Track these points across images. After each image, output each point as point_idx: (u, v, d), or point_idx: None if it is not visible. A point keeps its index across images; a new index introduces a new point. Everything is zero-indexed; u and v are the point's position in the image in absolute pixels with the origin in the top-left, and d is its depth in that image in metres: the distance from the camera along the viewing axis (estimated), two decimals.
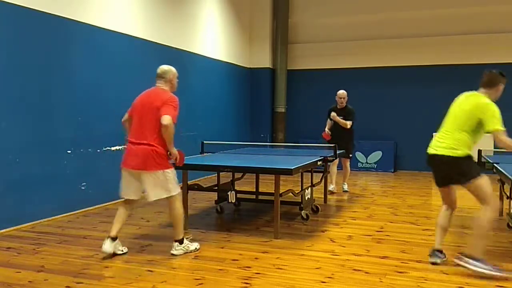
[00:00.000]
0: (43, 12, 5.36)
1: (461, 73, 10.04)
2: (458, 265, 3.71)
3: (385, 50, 10.58)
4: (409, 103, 10.34)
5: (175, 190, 4.13)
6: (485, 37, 9.85)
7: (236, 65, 10.59)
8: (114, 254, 4.11)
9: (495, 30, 9.80)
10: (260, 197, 6.15)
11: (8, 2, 4.94)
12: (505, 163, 5.21)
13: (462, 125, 3.80)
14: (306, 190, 5.62)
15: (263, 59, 11.24)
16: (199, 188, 5.50)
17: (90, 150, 6.13)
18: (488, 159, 5.64)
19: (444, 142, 3.86)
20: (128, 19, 6.85)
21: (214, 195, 6.26)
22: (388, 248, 4.44)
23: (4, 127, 4.95)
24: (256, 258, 4.10)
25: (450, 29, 10.11)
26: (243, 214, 6.15)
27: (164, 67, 4.23)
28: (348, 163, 7.51)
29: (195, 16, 8.82)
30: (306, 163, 5.15)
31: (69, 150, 5.79)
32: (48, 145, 5.49)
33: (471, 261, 3.66)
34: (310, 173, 5.88)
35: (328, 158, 5.91)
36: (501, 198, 5.96)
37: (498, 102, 3.89)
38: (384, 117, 10.46)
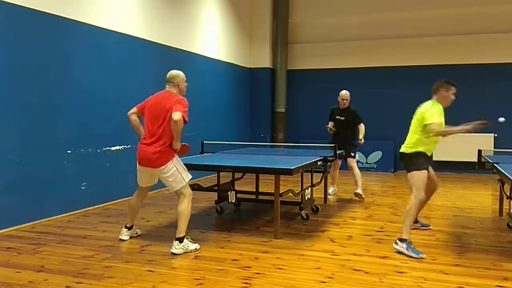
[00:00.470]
0: (43, 12, 5.36)
1: (461, 73, 10.04)
2: (398, 251, 4.27)
3: (385, 50, 10.58)
4: (409, 103, 10.24)
5: (186, 177, 4.43)
6: (485, 37, 9.85)
7: (236, 65, 10.59)
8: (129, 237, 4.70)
9: (495, 30, 9.80)
10: (260, 197, 6.15)
11: (8, 2, 4.94)
12: (505, 163, 5.21)
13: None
14: (306, 190, 5.62)
15: (263, 59, 11.24)
16: (199, 188, 5.49)
17: (90, 150, 6.13)
18: (488, 159, 5.64)
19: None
20: (128, 19, 6.85)
21: (214, 195, 6.27)
22: (388, 248, 4.43)
23: (4, 127, 4.95)
24: (256, 258, 4.10)
25: (450, 29, 10.11)
26: (243, 214, 6.15)
27: (173, 72, 4.50)
28: (354, 163, 7.04)
29: (195, 16, 8.83)
30: (306, 163, 5.15)
31: (69, 150, 5.79)
32: (48, 145, 5.49)
33: (399, 242, 4.31)
34: (310, 173, 5.88)
35: (328, 158, 5.91)
36: (501, 198, 5.98)
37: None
38: (384, 117, 10.45)
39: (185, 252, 4.22)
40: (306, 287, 3.45)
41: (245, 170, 5.81)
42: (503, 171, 4.66)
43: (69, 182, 5.80)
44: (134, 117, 4.52)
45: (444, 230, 5.10)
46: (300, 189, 5.61)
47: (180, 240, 4.23)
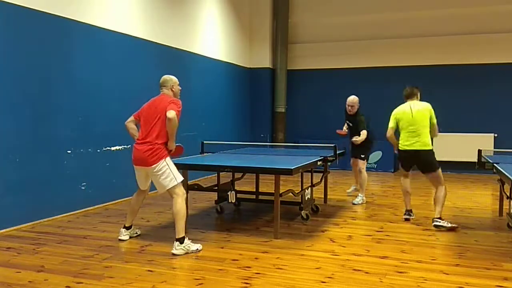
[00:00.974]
0: (43, 12, 5.36)
1: (461, 73, 10.07)
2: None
3: (385, 50, 10.58)
4: None
5: (178, 177, 4.39)
6: (485, 37, 9.85)
7: (236, 65, 10.59)
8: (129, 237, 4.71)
9: (495, 30, 9.80)
10: (260, 197, 6.15)
11: (8, 2, 4.94)
12: (505, 163, 5.22)
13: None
14: (306, 190, 5.61)
15: (263, 59, 11.24)
16: (199, 188, 5.50)
17: (90, 150, 6.13)
18: (488, 159, 5.64)
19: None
20: (128, 19, 6.85)
21: (214, 195, 6.27)
22: (388, 248, 4.44)
23: (4, 127, 4.95)
24: (256, 258, 4.10)
25: (450, 29, 10.11)
26: (243, 214, 6.15)
27: (165, 77, 4.62)
28: (361, 165, 6.73)
29: (195, 16, 8.83)
30: (306, 163, 5.15)
31: (69, 150, 5.80)
32: (48, 145, 5.49)
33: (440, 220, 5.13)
34: (310, 173, 5.88)
35: (328, 158, 5.91)
36: (501, 198, 5.97)
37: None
38: (384, 117, 10.44)
39: (186, 253, 4.21)
40: (306, 287, 3.45)
41: (245, 170, 5.81)
42: (503, 171, 4.66)
43: (69, 182, 5.80)
44: (131, 125, 4.61)
45: (444, 230, 5.10)
46: (300, 189, 5.61)
47: (181, 240, 4.22)
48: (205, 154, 6.20)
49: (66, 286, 3.43)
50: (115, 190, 6.54)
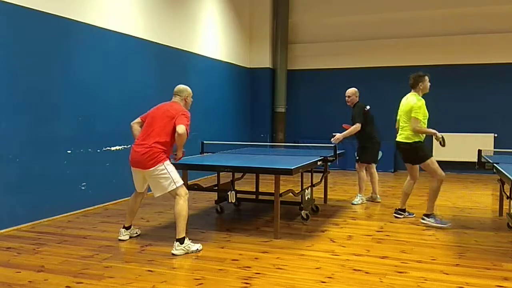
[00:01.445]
0: (43, 12, 5.36)
1: (461, 73, 10.07)
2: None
3: (385, 50, 10.58)
4: None
5: (178, 181, 4.34)
6: (485, 37, 9.85)
7: (236, 65, 10.59)
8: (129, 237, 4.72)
9: (495, 30, 9.80)
10: (260, 197, 6.15)
11: (8, 2, 4.94)
12: (505, 163, 5.21)
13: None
14: (306, 190, 5.61)
15: (263, 59, 11.24)
16: (199, 188, 5.50)
17: (90, 150, 6.13)
18: (488, 159, 5.64)
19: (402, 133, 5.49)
20: (128, 19, 6.85)
21: (214, 195, 6.27)
22: (388, 248, 4.44)
23: (4, 127, 4.95)
24: (256, 258, 4.10)
25: (450, 29, 10.11)
26: (243, 214, 6.15)
27: (181, 86, 4.68)
28: (359, 168, 6.73)
29: (195, 16, 8.83)
30: (306, 163, 5.15)
31: (69, 150, 5.79)
32: (48, 145, 5.49)
33: (426, 218, 5.29)
34: (310, 173, 5.88)
35: (328, 158, 5.91)
36: (501, 198, 5.98)
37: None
38: (384, 117, 10.44)
39: (186, 253, 4.21)
40: (306, 287, 3.45)
41: (245, 170, 5.81)
42: (503, 171, 4.66)
43: (69, 182, 5.80)
44: (136, 127, 4.59)
45: (444, 230, 5.10)
46: (300, 189, 5.61)
47: (181, 241, 4.22)
48: (205, 154, 6.20)
49: (66, 286, 3.43)
50: (115, 190, 6.54)
